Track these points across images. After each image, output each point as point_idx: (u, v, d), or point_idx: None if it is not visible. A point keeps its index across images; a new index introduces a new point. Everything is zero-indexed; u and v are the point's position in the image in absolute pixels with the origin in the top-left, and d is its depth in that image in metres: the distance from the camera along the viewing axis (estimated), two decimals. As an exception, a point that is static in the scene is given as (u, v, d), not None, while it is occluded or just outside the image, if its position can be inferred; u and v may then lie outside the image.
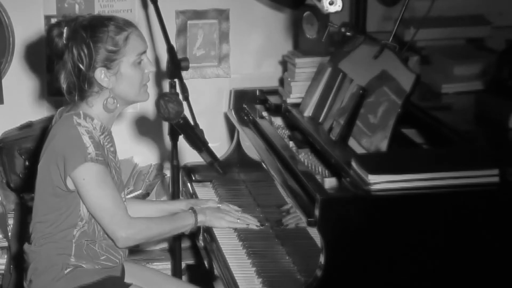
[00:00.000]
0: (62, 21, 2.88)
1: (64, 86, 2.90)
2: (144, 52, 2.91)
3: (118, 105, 2.92)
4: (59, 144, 2.84)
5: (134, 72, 2.89)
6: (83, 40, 2.82)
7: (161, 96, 3.05)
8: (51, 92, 4.06)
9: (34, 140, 3.85)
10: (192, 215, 3.05)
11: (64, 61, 2.86)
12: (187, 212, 3.07)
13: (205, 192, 3.58)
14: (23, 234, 3.85)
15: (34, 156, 3.79)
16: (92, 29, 2.83)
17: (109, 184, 2.84)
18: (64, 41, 2.84)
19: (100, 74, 2.85)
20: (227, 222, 3.12)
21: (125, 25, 2.88)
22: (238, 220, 3.12)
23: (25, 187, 3.88)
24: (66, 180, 2.82)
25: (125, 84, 2.89)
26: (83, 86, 2.86)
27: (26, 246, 2.99)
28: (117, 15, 2.94)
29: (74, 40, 2.83)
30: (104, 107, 2.90)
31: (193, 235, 3.49)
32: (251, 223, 3.14)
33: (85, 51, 2.82)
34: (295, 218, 3.03)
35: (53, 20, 3.98)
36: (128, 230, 2.86)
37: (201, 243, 3.32)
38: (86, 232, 2.89)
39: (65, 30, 2.84)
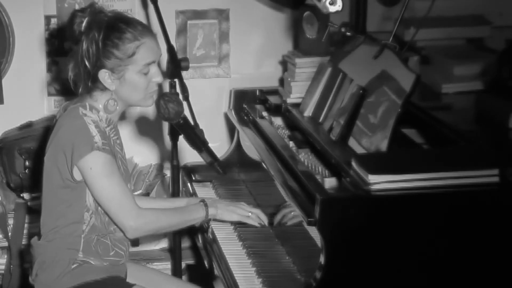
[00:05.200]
0: (86, 9, 2.87)
1: (71, 74, 2.92)
2: (154, 62, 2.91)
3: (118, 107, 2.93)
4: (66, 134, 2.85)
5: (139, 80, 2.89)
6: (94, 38, 2.82)
7: (161, 96, 3.06)
8: (51, 92, 4.07)
9: (34, 140, 3.84)
10: (203, 208, 3.04)
11: (76, 51, 2.87)
12: (198, 204, 3.06)
13: (205, 192, 3.58)
14: (23, 234, 3.85)
15: (34, 156, 3.80)
16: (106, 31, 2.83)
17: (116, 174, 2.84)
18: (82, 31, 2.84)
19: (104, 76, 2.86)
20: (238, 216, 3.10)
21: (141, 34, 2.86)
22: (250, 214, 3.12)
23: (25, 187, 3.88)
24: (73, 170, 2.83)
25: (128, 89, 2.89)
26: (87, 81, 2.87)
27: (34, 240, 2.99)
28: (138, 20, 2.93)
29: (87, 35, 2.84)
30: (104, 107, 2.91)
31: (193, 235, 3.49)
32: (260, 222, 3.12)
33: (94, 50, 2.83)
34: (287, 215, 3.05)
35: (53, 20, 3.99)
36: (138, 220, 2.85)
37: (201, 243, 3.32)
38: (96, 226, 2.89)
39: (85, 20, 2.84)
